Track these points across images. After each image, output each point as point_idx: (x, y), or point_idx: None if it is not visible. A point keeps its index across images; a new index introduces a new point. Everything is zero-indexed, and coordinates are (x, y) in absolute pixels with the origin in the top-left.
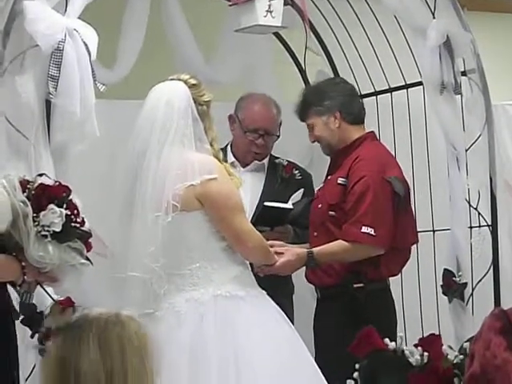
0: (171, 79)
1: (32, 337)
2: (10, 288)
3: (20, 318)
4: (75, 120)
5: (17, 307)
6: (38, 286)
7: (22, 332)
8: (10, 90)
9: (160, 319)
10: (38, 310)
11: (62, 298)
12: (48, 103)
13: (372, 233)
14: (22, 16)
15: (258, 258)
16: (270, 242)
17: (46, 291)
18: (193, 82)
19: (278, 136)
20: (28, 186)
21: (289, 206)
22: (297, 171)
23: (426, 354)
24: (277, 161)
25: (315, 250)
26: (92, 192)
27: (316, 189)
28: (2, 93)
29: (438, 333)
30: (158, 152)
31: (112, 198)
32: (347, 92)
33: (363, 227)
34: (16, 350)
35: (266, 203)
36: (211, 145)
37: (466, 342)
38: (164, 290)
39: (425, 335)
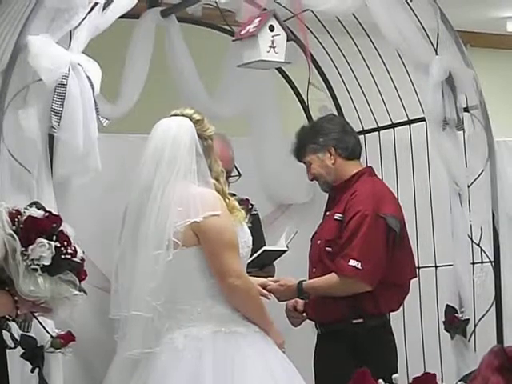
0: (175, 114)
1: (32, 371)
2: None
3: (21, 353)
4: (78, 154)
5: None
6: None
7: (21, 365)
8: (13, 124)
9: (158, 354)
10: (38, 345)
11: (62, 333)
12: (51, 137)
13: (358, 266)
14: (25, 50)
15: (238, 302)
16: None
17: (42, 326)
18: (197, 117)
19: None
20: (16, 219)
21: (284, 247)
22: (250, 205)
23: None
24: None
25: (305, 282)
26: (94, 226)
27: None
28: (6, 127)
29: (440, 369)
30: (163, 188)
31: (114, 233)
32: (340, 128)
33: (351, 260)
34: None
35: (266, 248)
36: (217, 179)
37: (460, 380)
38: (166, 327)
39: (426, 371)
